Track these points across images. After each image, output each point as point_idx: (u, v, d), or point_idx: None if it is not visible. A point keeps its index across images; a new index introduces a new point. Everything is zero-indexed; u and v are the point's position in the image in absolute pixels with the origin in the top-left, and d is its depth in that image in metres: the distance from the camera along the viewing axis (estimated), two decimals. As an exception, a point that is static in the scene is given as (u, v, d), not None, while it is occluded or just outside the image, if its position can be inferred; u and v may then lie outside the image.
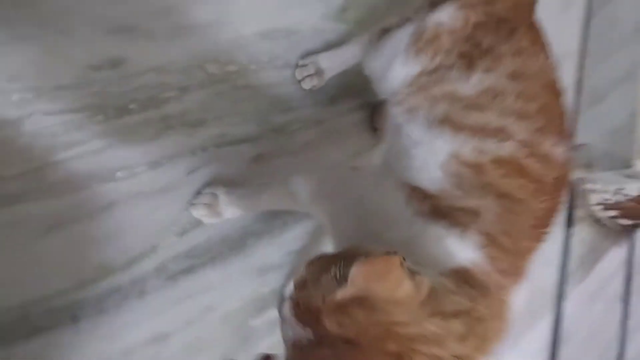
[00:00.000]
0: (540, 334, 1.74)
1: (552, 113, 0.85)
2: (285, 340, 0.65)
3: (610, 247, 2.00)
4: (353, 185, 0.87)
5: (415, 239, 0.76)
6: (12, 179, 0.85)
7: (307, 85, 1.19)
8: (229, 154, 1.08)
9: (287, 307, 0.64)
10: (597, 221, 1.97)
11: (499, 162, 0.80)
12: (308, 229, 1.19)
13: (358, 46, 1.16)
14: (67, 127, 0.90)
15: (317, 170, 0.96)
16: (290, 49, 1.18)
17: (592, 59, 1.93)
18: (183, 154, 1.03)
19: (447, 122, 0.85)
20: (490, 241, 0.75)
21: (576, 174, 1.85)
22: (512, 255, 0.76)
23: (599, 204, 1.91)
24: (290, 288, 0.66)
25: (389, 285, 0.60)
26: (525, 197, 0.79)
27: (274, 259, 1.14)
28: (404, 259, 0.60)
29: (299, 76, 1.18)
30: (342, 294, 0.60)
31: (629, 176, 1.72)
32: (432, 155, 0.84)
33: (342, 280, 0.60)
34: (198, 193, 1.04)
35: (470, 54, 0.90)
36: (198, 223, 1.04)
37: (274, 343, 1.11)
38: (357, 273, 0.59)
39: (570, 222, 1.88)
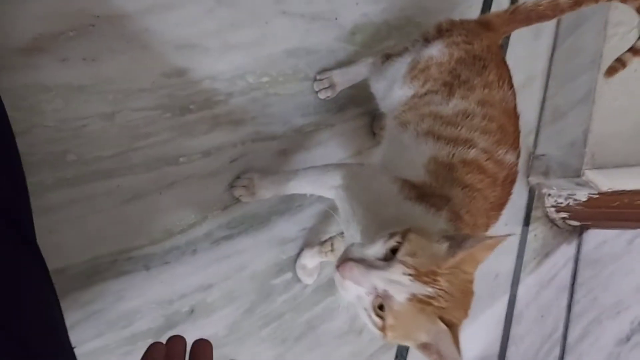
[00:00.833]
0: (496, 312, 1.91)
1: (507, 131, 1.04)
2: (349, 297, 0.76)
3: (561, 243, 2.18)
4: (370, 179, 1.00)
5: (404, 216, 0.87)
6: (107, 158, 1.05)
7: (322, 95, 1.36)
8: (261, 148, 1.26)
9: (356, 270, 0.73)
10: (551, 221, 2.15)
11: (465, 163, 0.98)
12: (318, 211, 1.36)
13: (365, 66, 1.34)
14: (145, 121, 1.10)
15: (347, 166, 1.06)
16: (310, 65, 1.36)
17: (555, 81, 2.07)
18: (227, 146, 1.21)
19: (430, 134, 1.02)
20: (457, 217, 0.90)
21: (535, 180, 1.99)
22: (471, 228, 0.93)
23: (553, 206, 2.11)
24: (358, 254, 0.76)
25: (489, 254, 0.76)
26: (483, 188, 0.97)
27: (292, 233, 1.32)
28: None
29: (316, 88, 1.36)
30: (453, 260, 0.73)
31: (579, 184, 1.88)
32: (418, 157, 1.00)
33: (453, 249, 0.73)
34: (237, 177, 1.21)
35: (452, 83, 1.08)
36: (236, 201, 1.22)
37: (289, 298, 1.33)
38: (475, 245, 0.72)
39: (527, 220, 2.05)
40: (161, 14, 1.12)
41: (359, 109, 1.46)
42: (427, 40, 1.18)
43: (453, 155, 0.98)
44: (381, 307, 0.74)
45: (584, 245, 2.30)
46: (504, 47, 1.83)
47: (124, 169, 1.08)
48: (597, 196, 1.98)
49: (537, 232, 2.09)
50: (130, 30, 1.09)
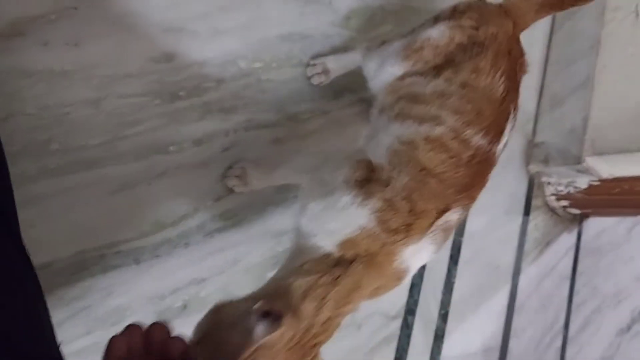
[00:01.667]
0: (498, 302, 1.88)
1: (483, 115, 0.96)
2: None
3: (561, 232, 2.15)
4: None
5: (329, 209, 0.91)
6: (93, 147, 1.01)
7: (315, 81, 1.32)
8: (254, 136, 1.23)
9: None
10: (551, 210, 2.11)
11: (429, 140, 0.93)
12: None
13: (359, 53, 1.27)
14: (133, 108, 1.06)
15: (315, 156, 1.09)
16: (304, 50, 1.32)
17: (554, 67, 2.04)
18: (219, 134, 1.17)
19: (400, 115, 0.99)
20: (389, 206, 0.88)
21: (535, 168, 1.96)
22: (407, 215, 0.89)
23: (553, 194, 2.07)
24: None
25: None
26: (443, 171, 0.91)
27: (288, 225, 1.27)
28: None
29: (309, 73, 1.31)
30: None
31: (580, 171, 1.85)
32: (385, 137, 0.98)
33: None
34: (230, 167, 1.17)
35: (442, 66, 1.02)
36: (230, 192, 1.18)
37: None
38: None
39: (528, 209, 2.01)
40: (147, -4, 1.08)
41: (356, 96, 1.42)
42: (436, 21, 1.11)
43: (417, 132, 0.95)
44: None
45: (584, 234, 2.28)
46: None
47: (111, 159, 1.04)
48: (597, 183, 1.95)
49: (538, 221, 2.06)
50: (114, 13, 1.05)
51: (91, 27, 1.02)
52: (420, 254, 0.93)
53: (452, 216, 0.94)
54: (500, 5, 1.12)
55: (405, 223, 0.88)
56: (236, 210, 1.21)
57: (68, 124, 0.99)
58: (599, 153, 1.78)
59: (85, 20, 1.01)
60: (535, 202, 2.06)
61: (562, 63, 2.03)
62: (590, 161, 1.79)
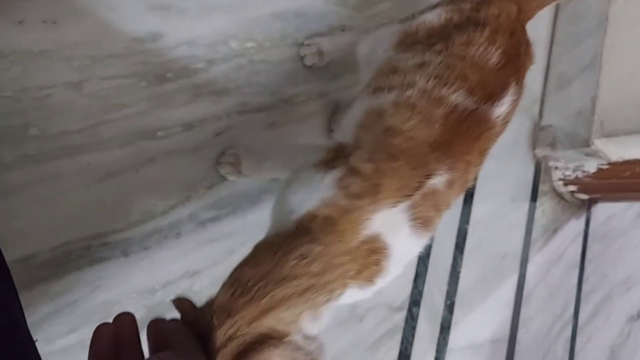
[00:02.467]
0: (506, 291, 1.83)
1: (465, 78, 0.87)
2: None
3: (569, 219, 2.11)
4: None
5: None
6: (75, 132, 0.95)
7: (308, 61, 1.26)
8: (248, 120, 1.17)
9: None
10: (558, 195, 2.07)
11: (396, 104, 0.86)
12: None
13: (355, 36, 1.20)
14: (117, 91, 1.00)
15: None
16: (299, 30, 1.26)
17: (560, 47, 1.99)
18: (211, 118, 1.12)
19: (376, 90, 0.92)
20: (353, 172, 0.80)
21: (541, 152, 1.92)
22: (370, 177, 0.80)
23: (560, 179, 2.03)
24: None
25: None
26: (410, 128, 0.83)
27: None
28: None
29: (302, 53, 1.26)
30: None
31: (588, 154, 1.81)
32: (354, 114, 0.92)
33: None
34: (222, 153, 1.12)
35: (434, 44, 0.94)
36: (223, 179, 1.13)
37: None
38: None
39: (535, 195, 1.96)
40: (130, -29, 1.02)
41: (355, 77, 1.31)
42: (436, 6, 1.02)
43: (386, 100, 0.88)
44: None
45: (593, 220, 2.24)
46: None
47: (95, 144, 0.98)
48: (606, 167, 1.92)
49: (545, 207, 2.01)
50: (95, -12, 0.98)
51: (70, 4, 0.96)
52: (401, 226, 0.82)
53: (435, 179, 0.83)
54: None
55: (371, 183, 0.79)
56: (230, 198, 1.15)
57: (48, 108, 0.93)
58: (608, 135, 1.74)
59: (63, -4, 0.95)
60: (543, 187, 2.01)
61: (568, 42, 1.98)
62: (599, 143, 1.75)
